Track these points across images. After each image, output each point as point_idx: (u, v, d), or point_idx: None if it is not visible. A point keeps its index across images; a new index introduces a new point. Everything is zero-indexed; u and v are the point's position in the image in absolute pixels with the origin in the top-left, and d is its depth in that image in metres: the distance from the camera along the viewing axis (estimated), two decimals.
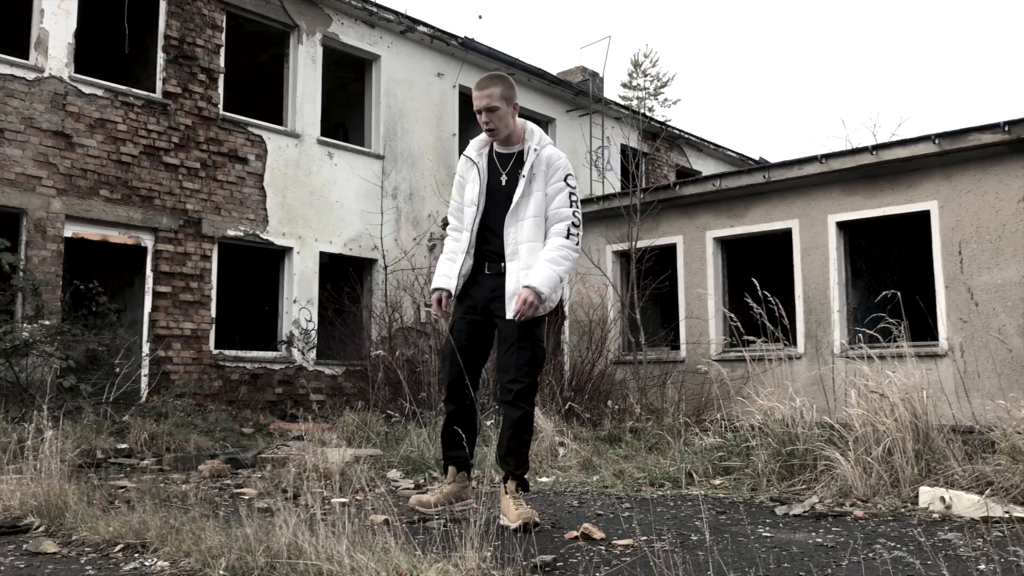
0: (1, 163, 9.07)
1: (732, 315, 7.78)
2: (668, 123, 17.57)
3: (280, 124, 11.87)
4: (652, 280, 10.61)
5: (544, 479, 5.66)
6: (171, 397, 9.15)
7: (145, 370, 9.89)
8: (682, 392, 9.19)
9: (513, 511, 3.72)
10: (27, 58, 9.45)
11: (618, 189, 15.11)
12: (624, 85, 19.11)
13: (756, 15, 62.15)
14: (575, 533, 3.62)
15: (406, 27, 13.11)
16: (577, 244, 3.87)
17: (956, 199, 9.00)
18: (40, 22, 9.51)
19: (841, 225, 9.90)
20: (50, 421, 5.23)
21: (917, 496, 4.48)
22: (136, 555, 3.24)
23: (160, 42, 10.54)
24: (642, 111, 16.48)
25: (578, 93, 16.06)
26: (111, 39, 11.08)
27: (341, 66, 12.95)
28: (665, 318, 12.15)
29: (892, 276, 10.79)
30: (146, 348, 10.01)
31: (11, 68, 9.25)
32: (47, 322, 8.71)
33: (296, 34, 11.97)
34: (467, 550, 2.64)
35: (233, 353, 10.87)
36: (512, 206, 3.88)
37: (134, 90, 10.25)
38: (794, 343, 9.59)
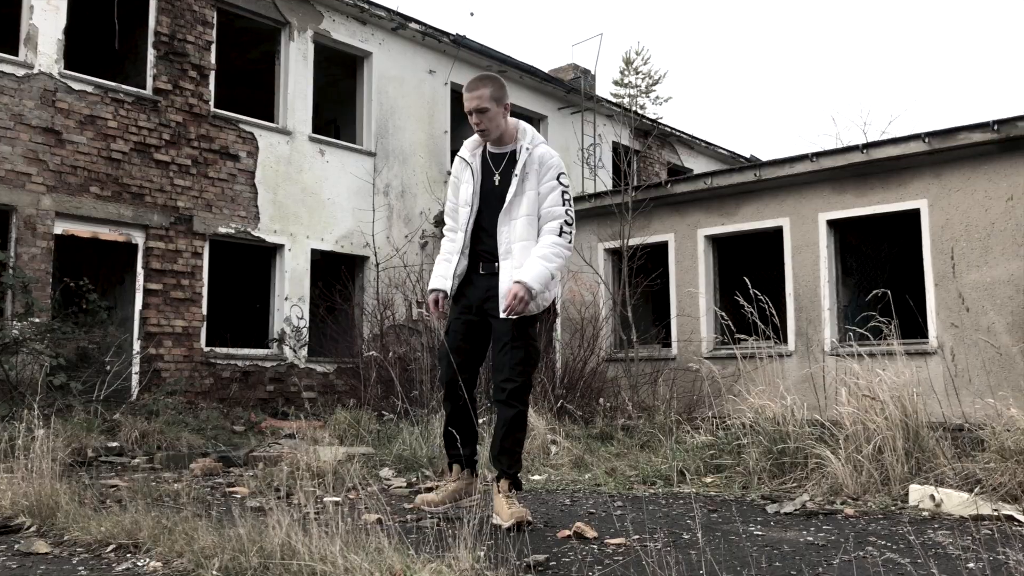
0: None
1: (723, 313, 7.81)
2: (660, 121, 17.59)
3: (271, 121, 11.83)
4: (644, 278, 10.63)
5: (536, 477, 5.68)
6: (162, 395, 9.12)
7: (136, 368, 9.85)
8: (673, 390, 9.21)
9: (506, 510, 3.73)
10: (16, 54, 9.39)
11: (610, 187, 15.12)
12: (616, 83, 19.10)
13: (747, 13, 62.26)
14: (568, 532, 3.63)
15: (398, 24, 13.09)
16: (570, 242, 3.89)
17: (946, 198, 9.05)
18: (30, 18, 9.46)
19: (832, 223, 9.94)
20: (41, 419, 5.22)
21: (907, 494, 4.51)
22: (128, 555, 3.23)
23: (150, 38, 10.50)
24: (634, 109, 16.48)
25: (570, 91, 16.06)
26: (101, 35, 11.02)
27: (333, 63, 12.92)
28: (657, 316, 12.17)
29: (882, 274, 10.84)
30: (137, 346, 9.98)
31: (0, 65, 9.19)
32: (37, 320, 8.67)
33: (287, 31, 11.93)
34: (461, 550, 2.65)
35: (224, 351, 10.84)
36: (505, 205, 3.90)
37: (124, 87, 10.20)
38: (785, 341, 9.63)
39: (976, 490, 4.39)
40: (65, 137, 9.56)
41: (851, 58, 58.26)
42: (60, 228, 9.50)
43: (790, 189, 10.21)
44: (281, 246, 11.57)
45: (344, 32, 12.61)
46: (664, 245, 11.27)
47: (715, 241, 11.06)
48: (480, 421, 6.53)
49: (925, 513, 4.23)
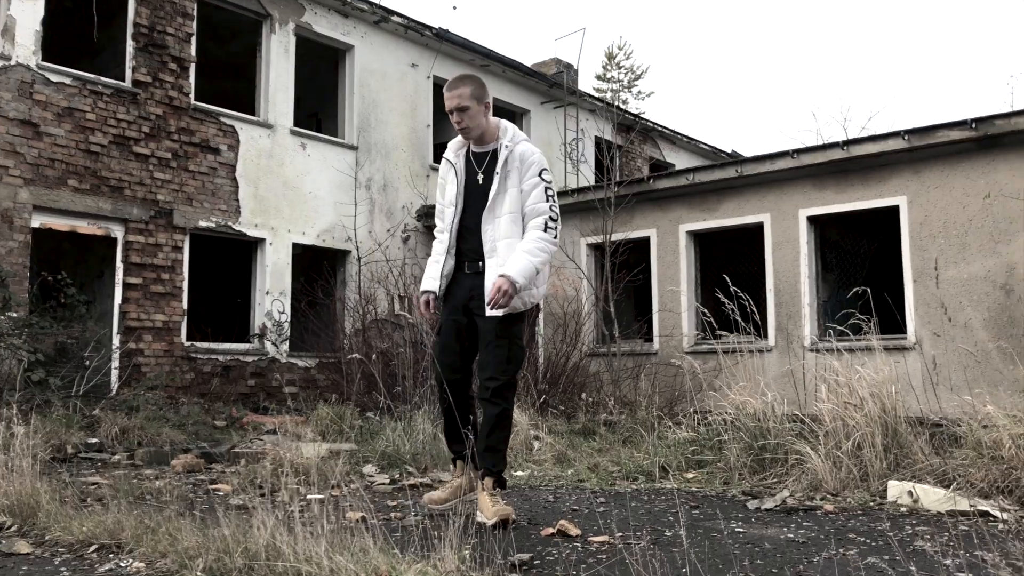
0: None
1: (704, 309, 7.86)
2: (642, 115, 17.65)
3: (253, 114, 11.75)
4: (626, 273, 10.67)
5: (519, 473, 5.70)
6: (142, 390, 9.06)
7: (115, 363, 9.78)
8: (655, 385, 9.26)
9: (490, 508, 3.75)
10: None
11: (592, 181, 15.14)
12: (598, 77, 19.15)
13: (729, 8, 62.44)
14: (551, 530, 3.65)
15: (380, 17, 13.02)
16: (555, 237, 3.90)
17: (924, 194, 9.14)
18: (7, 9, 9.33)
19: (812, 219, 10.02)
20: (20, 416, 5.18)
21: (886, 490, 4.56)
22: (111, 556, 3.22)
23: (129, 30, 10.38)
24: (616, 103, 16.51)
25: (552, 85, 16.06)
26: (79, 27, 10.89)
27: (314, 56, 12.84)
28: (639, 310, 12.22)
29: (862, 270, 10.94)
30: (116, 340, 9.90)
31: None
32: (14, 314, 8.58)
33: (269, 23, 11.84)
34: (446, 551, 2.66)
35: (205, 345, 10.78)
36: (488, 203, 3.91)
37: (103, 78, 10.09)
38: (765, 336, 9.70)
39: (953, 486, 4.45)
40: (43, 129, 9.45)
41: (832, 54, 58.61)
42: (38, 221, 9.40)
43: (771, 185, 10.27)
44: (262, 240, 11.51)
45: (326, 25, 12.53)
46: (646, 240, 11.32)
47: (697, 236, 11.12)
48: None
49: (903, 509, 4.29)
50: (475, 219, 3.95)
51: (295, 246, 11.92)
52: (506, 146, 3.94)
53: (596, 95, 17.66)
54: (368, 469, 5.75)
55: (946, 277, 8.88)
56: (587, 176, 15.85)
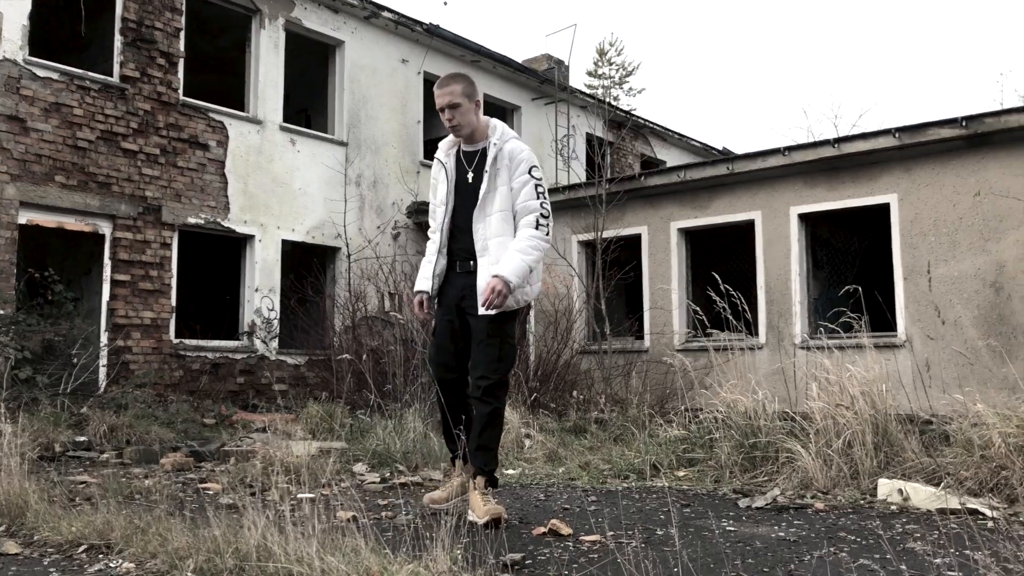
0: None
1: (695, 306, 7.87)
2: (633, 112, 17.61)
3: (242, 110, 11.68)
4: (617, 270, 10.67)
5: (511, 471, 5.69)
6: (131, 388, 9.01)
7: (103, 360, 9.71)
8: (646, 382, 9.27)
9: (481, 507, 3.74)
10: None
11: (583, 178, 15.14)
12: (589, 73, 19.10)
13: (719, 5, 62.50)
14: (543, 529, 3.64)
15: (370, 12, 12.97)
16: (547, 234, 3.90)
17: (915, 192, 9.17)
18: None
19: (803, 217, 10.04)
20: (7, 415, 5.14)
21: (876, 488, 4.58)
22: (100, 556, 3.19)
23: (117, 25, 10.30)
24: (607, 100, 16.49)
25: (544, 81, 16.03)
26: (67, 21, 10.80)
27: (304, 51, 12.77)
28: (630, 308, 12.23)
29: (852, 268, 10.97)
30: (104, 338, 9.83)
31: None
32: (1, 312, 8.52)
33: (258, 18, 11.78)
34: (438, 551, 2.65)
35: (194, 342, 10.72)
36: (479, 202, 3.91)
37: (91, 74, 10.01)
38: (756, 334, 9.72)
39: (943, 484, 4.46)
40: (30, 125, 9.37)
41: (822, 51, 58.74)
42: (24, 218, 9.33)
43: (762, 183, 10.29)
44: (251, 237, 11.46)
45: (316, 20, 12.47)
46: (637, 238, 11.32)
47: (688, 234, 11.13)
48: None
49: (893, 507, 4.30)
50: (466, 218, 3.95)
51: (285, 243, 11.87)
52: (495, 144, 3.94)
53: (587, 91, 17.63)
54: (359, 468, 5.73)
55: (936, 275, 8.91)
56: (578, 173, 15.85)
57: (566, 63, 17.19)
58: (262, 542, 2.75)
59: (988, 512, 4.02)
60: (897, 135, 9.03)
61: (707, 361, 7.53)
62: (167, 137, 10.60)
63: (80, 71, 9.90)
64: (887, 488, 4.50)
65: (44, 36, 10.71)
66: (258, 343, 11.28)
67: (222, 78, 13.05)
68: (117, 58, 10.29)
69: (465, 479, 4.05)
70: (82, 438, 7.04)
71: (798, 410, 5.61)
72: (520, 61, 16.40)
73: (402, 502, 4.48)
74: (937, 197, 9.02)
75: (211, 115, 11.13)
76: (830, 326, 6.17)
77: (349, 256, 12.22)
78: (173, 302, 10.50)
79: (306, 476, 4.76)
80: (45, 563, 3.15)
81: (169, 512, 3.49)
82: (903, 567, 2.91)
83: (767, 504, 4.41)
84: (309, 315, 11.25)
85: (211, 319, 11.52)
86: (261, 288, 11.47)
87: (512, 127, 15.63)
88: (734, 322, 6.41)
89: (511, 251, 3.80)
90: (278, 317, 11.55)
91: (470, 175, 3.98)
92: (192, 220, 10.77)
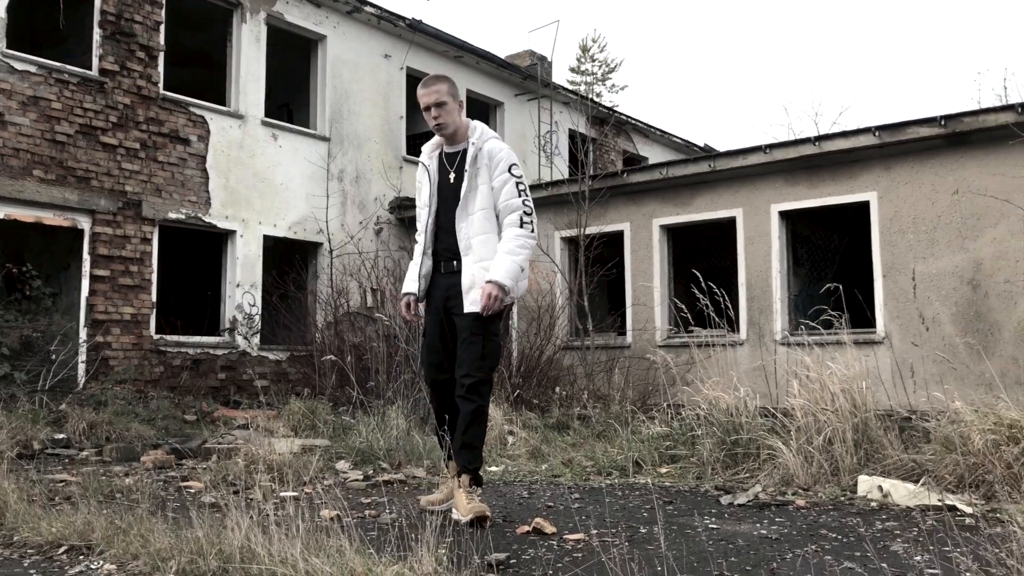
0: None
1: (677, 302, 7.91)
2: (615, 108, 17.65)
3: (223, 104, 11.58)
4: (600, 267, 10.69)
5: (494, 468, 5.70)
6: (110, 384, 8.93)
7: (82, 356, 9.62)
8: (628, 378, 9.31)
9: (465, 505, 3.76)
10: None
11: (566, 174, 15.15)
12: (572, 70, 19.14)
13: (701, 2, 62.66)
14: (527, 528, 3.65)
15: (353, 7, 12.90)
16: (533, 231, 3.95)
17: (894, 190, 9.24)
18: None
19: (784, 214, 10.10)
20: None
21: (856, 485, 4.62)
22: (81, 557, 3.17)
23: (96, 18, 10.18)
24: (590, 96, 16.50)
25: (527, 77, 16.01)
26: (45, 14, 10.67)
27: (286, 46, 12.68)
28: (612, 304, 12.26)
29: (832, 265, 11.05)
30: (83, 334, 9.74)
31: None
32: None
33: (240, 12, 11.68)
34: (423, 552, 2.65)
35: (175, 338, 10.64)
36: (460, 201, 3.96)
37: (69, 67, 9.89)
38: (737, 330, 9.77)
39: (922, 481, 4.52)
40: (7, 119, 9.25)
41: (803, 49, 59.07)
42: (2, 212, 9.21)
43: (744, 180, 10.34)
44: (233, 232, 11.38)
45: (298, 14, 12.39)
46: (620, 234, 11.34)
47: (670, 231, 11.16)
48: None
49: (873, 504, 4.34)
50: (449, 218, 4.00)
51: (266, 238, 11.80)
52: (474, 143, 3.98)
53: (570, 88, 17.64)
54: (341, 465, 5.72)
55: (915, 272, 9.00)
56: (561, 169, 15.85)
57: (549, 59, 17.19)
58: (246, 543, 2.74)
59: (966, 509, 4.07)
60: (877, 133, 9.10)
61: (689, 357, 7.58)
62: (147, 131, 10.50)
63: (58, 64, 9.78)
64: (867, 485, 4.55)
65: (22, 29, 10.57)
66: (239, 339, 11.22)
67: (203, 72, 12.95)
68: (96, 51, 10.17)
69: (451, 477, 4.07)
70: (61, 436, 6.97)
71: (779, 407, 5.66)
72: (503, 57, 16.37)
73: (386, 500, 4.48)
74: (916, 195, 9.10)
75: (192, 109, 11.04)
76: (811, 324, 6.21)
77: (331, 252, 12.17)
78: (154, 298, 10.41)
79: (289, 474, 4.74)
80: (25, 564, 3.12)
81: (151, 512, 3.47)
82: (884, 565, 2.94)
83: (749, 501, 4.44)
84: (291, 311, 11.19)
85: (192, 315, 11.44)
86: (243, 284, 11.40)
87: (495, 123, 15.75)
88: (716, 319, 6.45)
89: (500, 254, 3.83)
90: (260, 313, 11.49)
91: (452, 175, 4.04)
92: (173, 215, 10.68)
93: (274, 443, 5.66)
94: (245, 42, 11.68)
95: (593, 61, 18.38)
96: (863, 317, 8.72)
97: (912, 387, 6.60)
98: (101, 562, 3.05)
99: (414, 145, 13.82)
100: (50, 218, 9.63)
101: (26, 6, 10.60)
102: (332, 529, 2.85)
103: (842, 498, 4.49)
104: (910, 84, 46.56)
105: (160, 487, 4.97)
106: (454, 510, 3.84)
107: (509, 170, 3.94)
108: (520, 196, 3.93)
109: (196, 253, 12.55)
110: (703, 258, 9.87)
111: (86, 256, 9.88)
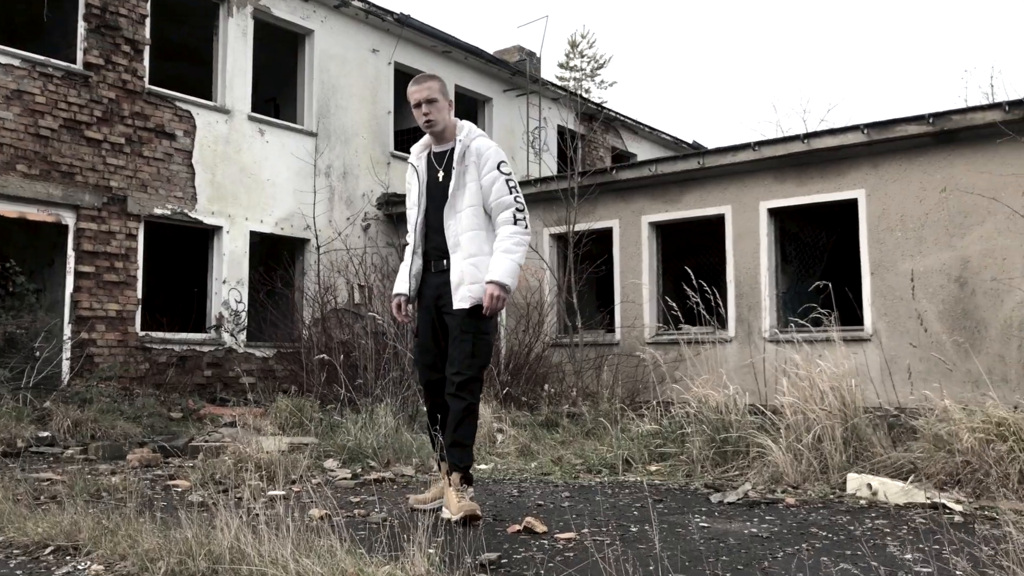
0: None
1: (667, 298, 7.90)
2: (604, 105, 17.62)
3: (209, 99, 11.49)
4: (589, 264, 10.68)
5: (483, 466, 5.68)
6: (95, 381, 8.86)
7: (67, 353, 9.53)
8: (617, 375, 9.30)
9: (455, 503, 3.75)
10: None
11: (555, 170, 15.13)
12: (561, 66, 19.09)
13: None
14: (518, 527, 3.64)
15: (340, 1, 12.81)
16: (526, 227, 3.96)
17: (883, 188, 9.27)
18: None
19: (772, 211, 10.11)
20: None
21: (845, 482, 4.63)
22: (68, 558, 3.13)
23: (81, 11, 10.07)
24: (579, 92, 16.48)
25: (515, 73, 15.97)
26: (28, 6, 10.55)
27: (273, 40, 12.59)
28: (601, 301, 12.26)
29: (820, 262, 11.08)
30: (68, 330, 9.64)
31: None
32: None
33: (226, 6, 11.58)
34: (415, 553, 2.62)
35: (160, 335, 10.56)
36: (449, 199, 3.96)
37: (53, 60, 9.78)
38: (725, 327, 9.78)
39: (911, 479, 4.53)
40: None
41: (791, 46, 59.25)
42: None
43: (732, 177, 10.34)
44: (219, 228, 11.30)
45: (285, 8, 12.31)
46: (609, 231, 11.33)
47: (659, 228, 11.17)
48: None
49: (863, 502, 4.35)
50: (438, 217, 4.00)
51: (253, 234, 11.72)
52: (461, 141, 3.99)
53: (559, 84, 17.60)
54: (330, 463, 5.69)
55: (903, 270, 9.03)
56: (549, 165, 15.83)
57: (538, 55, 17.15)
58: (235, 543, 2.71)
59: (955, 506, 4.09)
60: (866, 131, 9.12)
61: (677, 354, 7.57)
62: (132, 126, 10.40)
63: (42, 58, 9.67)
64: (856, 483, 4.56)
65: (4, 22, 10.44)
66: (226, 336, 11.15)
67: (189, 66, 12.83)
68: (80, 45, 10.06)
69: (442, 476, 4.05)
70: (45, 433, 6.90)
71: (768, 404, 5.66)
72: (492, 52, 16.32)
73: (375, 499, 4.45)
74: (904, 193, 9.13)
75: (178, 104, 10.95)
76: (799, 321, 6.22)
77: (318, 248, 12.11)
78: (139, 294, 10.33)
79: (278, 473, 4.71)
80: (11, 565, 3.08)
81: (138, 511, 3.43)
82: (874, 563, 2.94)
83: (739, 499, 4.44)
84: (278, 307, 11.12)
85: (178, 311, 11.35)
86: (229, 280, 11.32)
87: (483, 119, 15.70)
88: (706, 316, 6.45)
89: (497, 253, 3.84)
90: (246, 309, 11.41)
91: (440, 174, 4.04)
92: (158, 211, 10.59)
93: (262, 441, 5.62)
94: (232, 36, 11.59)
95: (582, 57, 18.36)
96: (850, 315, 8.76)
97: (900, 384, 6.62)
98: (88, 563, 3.02)
99: (402, 141, 13.76)
100: (34, 213, 9.53)
101: None
102: (322, 529, 2.82)
103: (831, 496, 4.50)
104: (897, 82, 46.80)
105: (147, 486, 4.93)
106: (444, 509, 3.83)
107: (498, 168, 3.94)
108: (511, 193, 3.92)
109: (182, 249, 12.45)
110: (692, 255, 9.86)
111: (70, 252, 9.78)
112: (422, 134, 4.16)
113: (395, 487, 4.99)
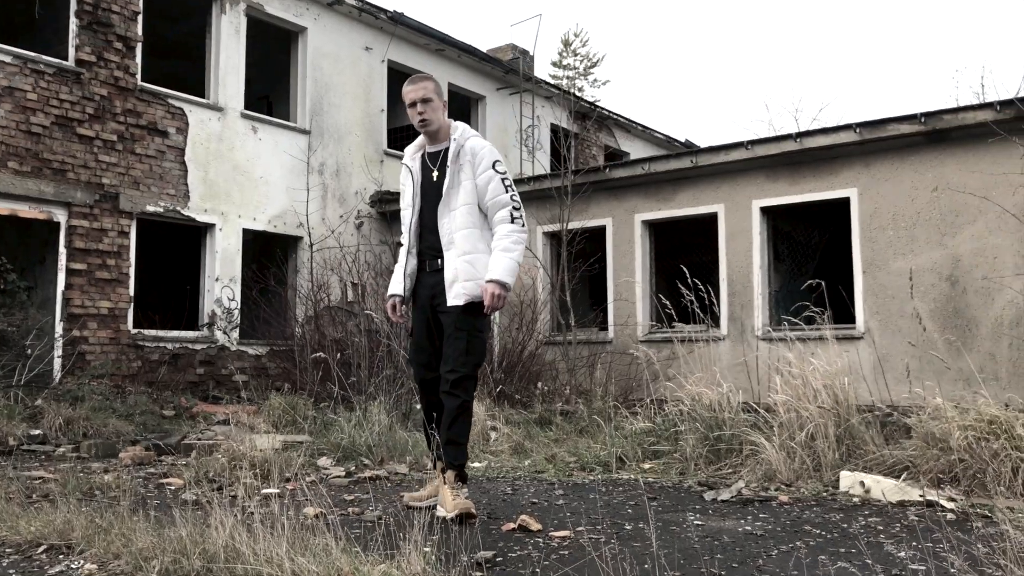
0: None
1: (660, 296, 7.91)
2: (597, 103, 17.63)
3: (202, 96, 11.45)
4: (582, 262, 10.68)
5: (477, 464, 5.68)
6: (87, 379, 8.82)
7: (59, 351, 9.48)
8: (610, 373, 9.31)
9: (450, 501, 3.75)
10: None
11: (548, 169, 15.12)
12: (554, 64, 19.09)
13: None
14: (512, 525, 3.64)
15: None
16: (524, 225, 3.99)
17: (875, 187, 9.31)
18: None
19: (765, 210, 10.13)
20: None
21: (838, 480, 4.65)
22: (61, 557, 3.12)
23: (72, 7, 10.01)
24: (572, 91, 16.49)
25: (508, 71, 15.96)
26: (20, 3, 10.49)
27: (266, 37, 12.56)
28: (594, 299, 12.27)
29: (813, 261, 11.11)
30: (59, 328, 9.60)
31: None
32: None
33: (219, 3, 11.54)
34: (411, 551, 2.62)
35: (153, 333, 10.52)
36: (443, 198, 3.97)
37: (45, 57, 9.73)
38: (718, 325, 9.80)
39: (903, 476, 4.55)
40: None
41: (784, 45, 59.38)
42: None
43: (725, 176, 10.36)
44: (212, 225, 11.27)
45: (278, 6, 12.27)
46: (602, 229, 11.34)
47: (652, 226, 11.18)
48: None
49: (856, 499, 4.37)
50: (432, 216, 4.01)
51: (246, 232, 11.69)
52: (455, 140, 4.01)
53: (552, 82, 17.60)
54: (323, 461, 5.68)
55: (894, 268, 9.07)
56: (543, 163, 15.83)
57: (531, 53, 17.15)
58: (230, 542, 2.70)
59: (947, 504, 4.11)
60: (858, 130, 9.15)
61: (670, 352, 7.59)
62: (124, 123, 10.36)
63: (34, 54, 9.62)
64: (849, 480, 4.58)
65: None
66: (218, 333, 11.12)
67: (182, 64, 12.78)
68: (72, 41, 10.02)
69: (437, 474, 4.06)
70: (37, 431, 6.88)
71: (760, 402, 5.68)
72: (485, 50, 16.31)
73: (370, 497, 4.45)
74: (896, 192, 9.17)
75: (170, 101, 10.91)
76: (792, 320, 6.24)
77: (312, 246, 12.08)
78: (131, 292, 10.29)
79: (274, 472, 4.70)
80: (4, 564, 3.07)
81: (131, 510, 3.42)
82: (869, 560, 2.95)
83: (732, 497, 4.45)
84: (271, 305, 11.10)
85: (171, 309, 11.32)
86: (222, 278, 11.29)
87: (477, 117, 15.70)
88: (700, 314, 6.46)
89: (496, 251, 3.86)
90: (239, 307, 11.39)
91: (435, 174, 4.06)
92: (151, 208, 10.55)
93: (255, 439, 5.62)
94: (224, 34, 11.56)
95: (575, 55, 18.36)
96: (843, 313, 8.78)
97: (892, 382, 6.65)
98: (82, 561, 3.01)
99: (395, 139, 13.75)
100: (25, 211, 9.49)
101: None
102: (317, 527, 2.82)
103: (824, 494, 4.52)
104: (889, 81, 46.94)
105: (140, 484, 4.92)
106: (439, 507, 3.83)
107: (493, 166, 3.96)
108: (507, 192, 3.95)
109: (175, 247, 12.41)
110: (685, 254, 9.87)
111: (62, 249, 9.74)
112: (415, 132, 4.16)
113: (389, 485, 4.99)
